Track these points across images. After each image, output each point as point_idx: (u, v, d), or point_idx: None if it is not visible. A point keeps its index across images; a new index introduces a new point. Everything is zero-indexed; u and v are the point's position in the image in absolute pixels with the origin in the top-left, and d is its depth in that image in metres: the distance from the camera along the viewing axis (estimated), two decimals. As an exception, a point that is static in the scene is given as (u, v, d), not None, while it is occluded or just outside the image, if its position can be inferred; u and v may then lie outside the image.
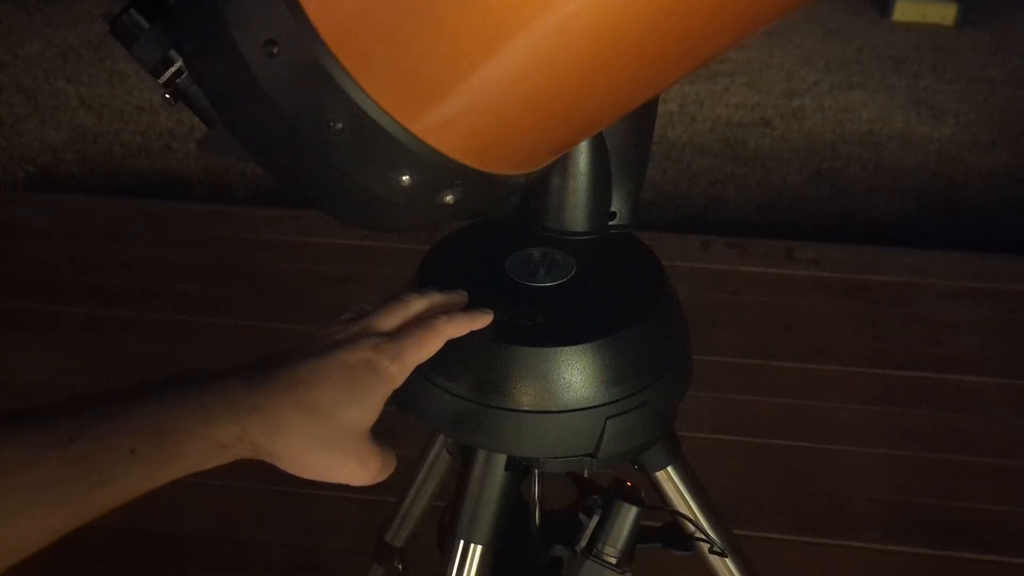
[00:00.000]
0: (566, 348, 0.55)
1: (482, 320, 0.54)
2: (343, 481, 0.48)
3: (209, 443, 0.42)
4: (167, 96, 0.51)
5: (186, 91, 0.51)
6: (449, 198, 0.47)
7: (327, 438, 0.46)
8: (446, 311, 0.53)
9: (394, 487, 0.57)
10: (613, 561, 0.60)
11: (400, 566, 0.97)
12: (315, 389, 0.46)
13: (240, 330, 1.86)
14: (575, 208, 0.61)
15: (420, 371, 0.56)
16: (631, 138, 0.60)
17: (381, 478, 0.49)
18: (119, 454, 0.39)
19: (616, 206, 0.63)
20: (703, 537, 0.71)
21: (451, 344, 0.53)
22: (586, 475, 0.76)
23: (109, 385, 0.43)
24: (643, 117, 0.60)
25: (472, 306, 0.56)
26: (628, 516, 0.60)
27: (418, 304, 0.54)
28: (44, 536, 0.38)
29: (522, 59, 0.37)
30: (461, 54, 0.38)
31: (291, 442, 0.44)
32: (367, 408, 0.47)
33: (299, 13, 0.39)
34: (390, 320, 0.52)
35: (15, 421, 0.38)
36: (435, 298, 0.55)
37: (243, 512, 1.47)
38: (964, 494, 1.51)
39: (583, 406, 0.55)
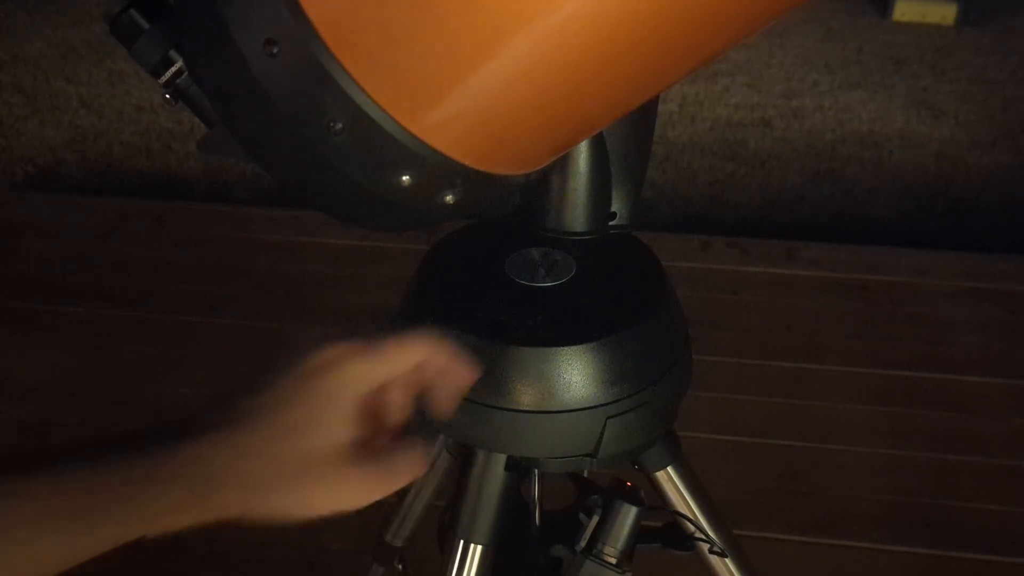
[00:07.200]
0: (566, 348, 0.55)
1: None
2: (336, 510, 0.44)
3: (178, 517, 0.42)
4: (167, 96, 0.51)
5: (186, 91, 0.51)
6: (449, 198, 0.47)
7: (297, 473, 0.43)
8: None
9: (394, 487, 0.57)
10: (613, 561, 0.59)
11: (400, 566, 0.96)
12: (273, 439, 0.43)
13: (240, 330, 1.86)
14: (575, 208, 0.61)
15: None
16: (631, 138, 0.60)
17: (388, 491, 0.46)
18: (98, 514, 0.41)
19: (616, 206, 0.63)
20: (703, 537, 0.71)
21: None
22: (586, 475, 0.76)
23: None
24: (643, 117, 0.60)
25: (471, 308, 0.56)
26: (628, 516, 0.60)
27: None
28: None
29: (522, 59, 0.37)
30: (461, 54, 0.38)
31: (267, 503, 0.43)
32: (328, 427, 0.44)
33: (299, 13, 0.39)
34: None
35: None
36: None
37: (243, 512, 1.46)
38: (964, 494, 1.51)
39: (583, 406, 0.55)
